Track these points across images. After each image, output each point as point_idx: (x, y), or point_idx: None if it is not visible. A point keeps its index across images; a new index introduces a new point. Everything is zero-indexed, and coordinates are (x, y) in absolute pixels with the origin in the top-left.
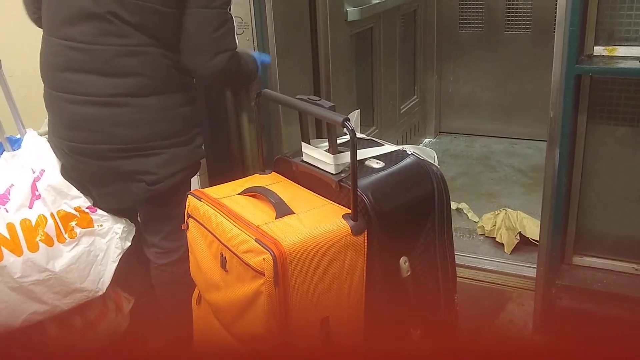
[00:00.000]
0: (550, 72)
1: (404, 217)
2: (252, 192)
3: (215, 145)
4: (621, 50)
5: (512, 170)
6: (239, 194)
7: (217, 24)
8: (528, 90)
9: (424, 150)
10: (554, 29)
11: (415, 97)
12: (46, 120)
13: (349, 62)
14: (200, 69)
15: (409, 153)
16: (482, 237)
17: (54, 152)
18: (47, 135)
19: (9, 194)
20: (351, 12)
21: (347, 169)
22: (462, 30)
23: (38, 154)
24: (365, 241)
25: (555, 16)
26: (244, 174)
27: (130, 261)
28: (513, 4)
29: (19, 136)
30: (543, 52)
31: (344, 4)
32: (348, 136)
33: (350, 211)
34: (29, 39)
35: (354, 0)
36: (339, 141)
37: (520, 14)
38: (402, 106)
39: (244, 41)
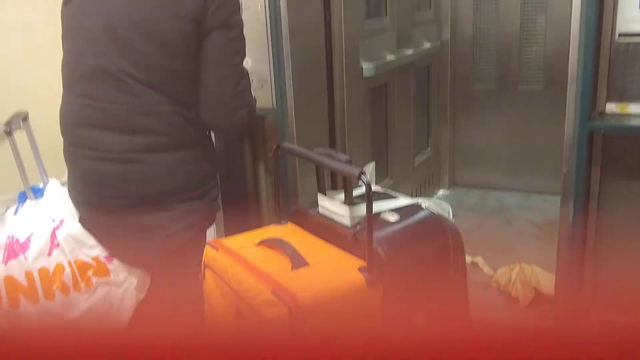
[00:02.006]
0: (564, 126)
1: (419, 270)
2: (269, 244)
3: (232, 195)
4: (633, 108)
5: (526, 224)
6: (255, 245)
7: (237, 80)
8: (541, 144)
9: (438, 204)
10: (567, 85)
11: (429, 149)
12: (66, 172)
13: (364, 115)
14: (222, 124)
15: (424, 207)
16: (497, 291)
17: (73, 204)
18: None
19: (29, 242)
20: (366, 68)
21: (362, 221)
22: (475, 85)
23: (58, 204)
24: (381, 294)
25: (567, 71)
26: (260, 225)
27: None
28: (526, 59)
29: (41, 185)
30: (556, 107)
31: (359, 60)
32: (364, 188)
33: (365, 263)
34: (57, 89)
35: (369, 57)
36: (354, 193)
37: (532, 69)
38: (416, 158)
39: (264, 95)
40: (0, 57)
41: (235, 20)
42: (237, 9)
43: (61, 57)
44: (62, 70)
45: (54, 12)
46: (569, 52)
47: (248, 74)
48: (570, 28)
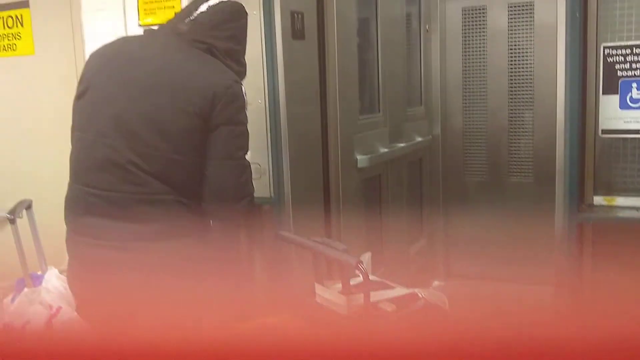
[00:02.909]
0: (553, 217)
1: None
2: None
3: (226, 284)
4: (620, 201)
5: (522, 315)
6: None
7: (240, 173)
8: (534, 234)
9: (434, 294)
10: (554, 175)
11: (423, 240)
12: (67, 259)
13: (359, 205)
14: (223, 214)
15: (420, 296)
16: None
17: (71, 291)
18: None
19: (25, 330)
20: (361, 159)
21: (359, 310)
22: (466, 177)
23: (57, 292)
24: None
25: (555, 164)
26: (255, 314)
27: None
28: (515, 152)
29: (40, 273)
30: (547, 198)
31: (354, 152)
32: (361, 277)
33: None
34: (61, 177)
35: (363, 149)
36: (351, 282)
37: (522, 161)
38: (411, 248)
39: (262, 186)
40: (9, 144)
41: (241, 117)
42: (244, 106)
43: (66, 145)
44: (70, 161)
45: (62, 102)
46: (555, 146)
47: (250, 166)
48: (556, 124)
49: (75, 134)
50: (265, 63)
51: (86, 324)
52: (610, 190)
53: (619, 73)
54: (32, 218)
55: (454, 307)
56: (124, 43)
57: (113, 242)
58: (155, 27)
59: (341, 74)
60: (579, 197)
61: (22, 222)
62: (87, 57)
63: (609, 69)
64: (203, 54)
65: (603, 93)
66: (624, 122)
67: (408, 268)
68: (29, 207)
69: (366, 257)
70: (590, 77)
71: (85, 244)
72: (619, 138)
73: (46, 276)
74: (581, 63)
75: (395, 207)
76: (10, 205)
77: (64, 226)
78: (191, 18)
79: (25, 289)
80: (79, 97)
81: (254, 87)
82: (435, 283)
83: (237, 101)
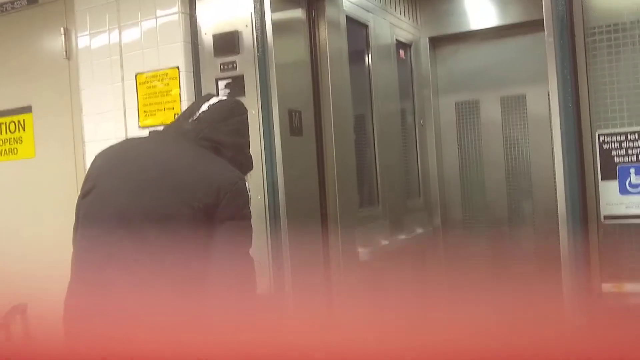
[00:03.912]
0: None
1: None
2: None
3: None
4: (628, 287)
5: None
6: None
7: (242, 269)
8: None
9: None
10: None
11: None
12: None
13: (361, 299)
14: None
15: None
16: None
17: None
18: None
19: None
20: (362, 252)
21: None
22: (469, 267)
23: None
24: None
25: (558, 253)
26: None
27: None
28: (517, 242)
29: None
30: (552, 286)
31: (355, 245)
32: None
33: None
34: (58, 282)
35: (365, 242)
36: None
37: (524, 250)
38: None
39: (263, 282)
40: (8, 246)
41: (245, 212)
42: (247, 201)
43: (66, 243)
44: (72, 259)
45: (62, 204)
46: (558, 234)
47: (253, 262)
48: (556, 211)
49: (78, 232)
50: (264, 159)
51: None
52: (618, 277)
53: (616, 159)
54: (26, 323)
55: None
56: (130, 142)
57: None
58: (159, 129)
59: (339, 167)
60: (586, 288)
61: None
62: (87, 158)
63: (606, 155)
64: (208, 152)
65: (602, 179)
66: (626, 207)
67: None
68: (23, 311)
69: None
70: (588, 164)
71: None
72: (621, 224)
73: None
74: (578, 151)
75: (400, 300)
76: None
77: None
78: (194, 117)
79: None
80: (84, 195)
81: (253, 183)
82: None
83: (242, 197)
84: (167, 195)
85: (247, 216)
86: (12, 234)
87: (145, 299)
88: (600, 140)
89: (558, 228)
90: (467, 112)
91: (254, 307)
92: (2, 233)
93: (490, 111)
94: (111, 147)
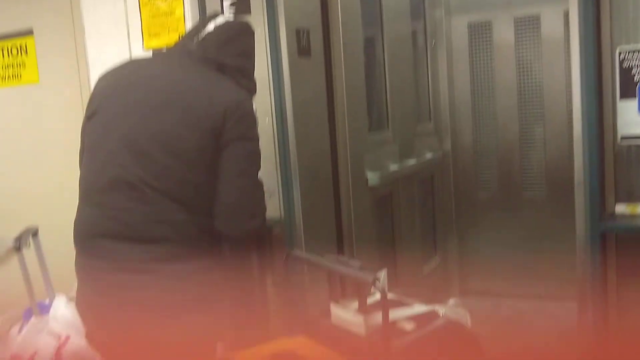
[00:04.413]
0: (572, 229)
1: None
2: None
3: (240, 306)
4: None
5: (543, 333)
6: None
7: (252, 191)
8: (550, 249)
9: (455, 311)
10: (570, 188)
11: (437, 257)
12: (76, 285)
13: (371, 224)
14: (235, 232)
15: (441, 314)
16: None
17: (81, 318)
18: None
19: None
20: (371, 177)
21: (378, 330)
22: (479, 192)
23: (65, 320)
24: None
25: (569, 176)
26: (269, 337)
27: None
28: (527, 167)
29: (47, 301)
30: (561, 211)
31: (364, 170)
32: (377, 295)
33: None
34: (68, 200)
35: (373, 167)
36: (368, 301)
37: (535, 176)
38: (425, 267)
39: (272, 205)
40: (15, 171)
41: (252, 133)
42: (254, 122)
43: (73, 171)
44: (80, 183)
45: (68, 129)
46: (568, 158)
47: (262, 185)
48: (568, 136)
49: (85, 156)
50: (271, 81)
51: (96, 353)
52: (632, 197)
53: (636, 78)
54: (39, 245)
55: (474, 325)
56: (133, 64)
57: (126, 264)
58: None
59: (349, 90)
60: (600, 208)
61: (29, 249)
62: (92, 82)
63: (626, 73)
64: (213, 72)
65: (620, 98)
66: None
67: (422, 286)
68: (35, 234)
69: (382, 274)
70: (606, 82)
71: (97, 268)
72: (638, 145)
73: (54, 304)
74: (596, 68)
75: (407, 225)
76: (17, 232)
77: (73, 252)
78: (199, 37)
79: (33, 319)
80: (89, 118)
81: (261, 105)
82: (451, 301)
83: (249, 117)
84: (174, 120)
85: (254, 137)
86: (18, 157)
87: (156, 223)
88: (621, 57)
89: (569, 154)
90: (480, 33)
91: (263, 227)
92: (10, 159)
93: (504, 33)
94: (115, 68)
